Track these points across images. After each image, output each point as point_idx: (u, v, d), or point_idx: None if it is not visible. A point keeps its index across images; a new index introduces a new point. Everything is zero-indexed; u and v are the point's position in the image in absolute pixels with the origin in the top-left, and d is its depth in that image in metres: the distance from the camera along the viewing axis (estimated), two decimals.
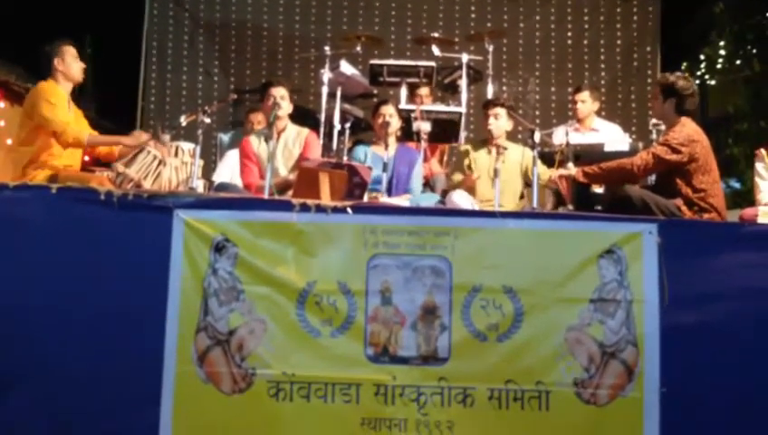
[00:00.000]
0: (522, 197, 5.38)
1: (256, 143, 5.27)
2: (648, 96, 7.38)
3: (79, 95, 5.19)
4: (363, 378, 3.61)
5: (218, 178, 6.01)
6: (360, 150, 5.69)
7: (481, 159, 5.64)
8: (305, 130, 5.36)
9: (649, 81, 7.76)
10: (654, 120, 5.47)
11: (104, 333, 3.58)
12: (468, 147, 5.79)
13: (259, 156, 5.20)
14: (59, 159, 4.84)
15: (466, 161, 5.71)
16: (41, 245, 3.66)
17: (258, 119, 6.27)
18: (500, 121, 5.62)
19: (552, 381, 3.61)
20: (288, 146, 5.24)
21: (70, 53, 4.99)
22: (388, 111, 5.66)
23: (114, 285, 3.62)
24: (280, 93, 5.19)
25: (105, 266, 3.64)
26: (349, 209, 3.75)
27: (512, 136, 6.04)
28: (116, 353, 3.56)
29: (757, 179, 5.30)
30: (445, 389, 3.61)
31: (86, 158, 5.22)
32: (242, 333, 3.61)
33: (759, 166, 5.30)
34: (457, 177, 5.68)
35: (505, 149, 5.27)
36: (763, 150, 5.31)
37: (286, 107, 5.22)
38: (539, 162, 4.56)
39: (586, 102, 6.28)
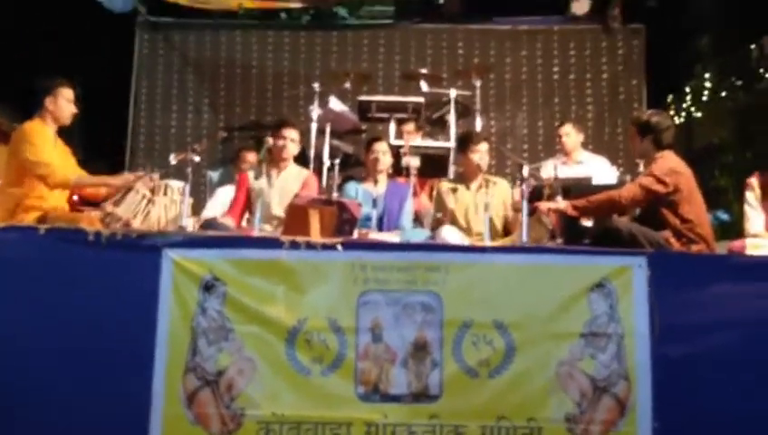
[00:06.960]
0: (507, 232, 5.38)
1: (254, 178, 5.36)
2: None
3: (66, 135, 5.15)
4: (354, 417, 3.57)
5: (207, 215, 6.01)
6: (352, 187, 5.70)
7: (463, 196, 5.62)
8: (306, 171, 5.44)
9: (636, 114, 7.80)
10: None
11: (92, 375, 3.55)
12: (448, 186, 5.74)
13: (254, 190, 5.28)
14: (47, 202, 4.76)
15: (448, 201, 5.65)
16: (29, 286, 3.64)
17: (250, 157, 6.31)
18: (485, 155, 5.63)
19: (544, 416, 3.58)
20: (287, 184, 5.29)
21: (64, 95, 4.89)
22: (381, 147, 5.70)
23: (103, 325, 3.60)
24: (291, 136, 5.32)
25: (94, 307, 3.62)
26: (339, 246, 3.74)
27: (500, 170, 6.04)
28: (103, 395, 3.52)
29: (747, 208, 5.31)
30: (436, 426, 3.57)
31: (75, 197, 5.18)
32: (231, 373, 3.58)
33: (749, 195, 5.31)
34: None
35: (495, 183, 5.27)
36: (753, 180, 5.33)
37: (293, 149, 5.39)
38: (526, 196, 4.55)
39: (570, 135, 6.34)
